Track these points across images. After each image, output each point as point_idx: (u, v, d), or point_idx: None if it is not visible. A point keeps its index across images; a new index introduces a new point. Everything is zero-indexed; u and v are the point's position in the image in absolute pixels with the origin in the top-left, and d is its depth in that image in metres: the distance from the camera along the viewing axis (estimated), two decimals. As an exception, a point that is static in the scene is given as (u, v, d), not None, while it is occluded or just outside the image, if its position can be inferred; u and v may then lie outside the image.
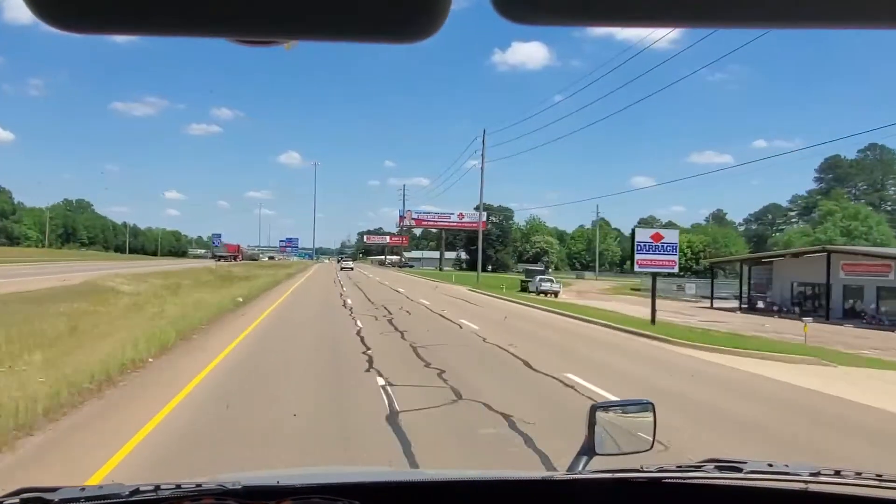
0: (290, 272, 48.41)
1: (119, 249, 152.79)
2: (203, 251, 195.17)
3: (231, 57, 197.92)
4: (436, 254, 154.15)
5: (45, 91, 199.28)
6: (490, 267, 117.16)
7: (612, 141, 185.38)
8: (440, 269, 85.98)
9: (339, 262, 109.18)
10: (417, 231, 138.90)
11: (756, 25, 0.51)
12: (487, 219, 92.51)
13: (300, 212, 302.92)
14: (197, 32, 0.51)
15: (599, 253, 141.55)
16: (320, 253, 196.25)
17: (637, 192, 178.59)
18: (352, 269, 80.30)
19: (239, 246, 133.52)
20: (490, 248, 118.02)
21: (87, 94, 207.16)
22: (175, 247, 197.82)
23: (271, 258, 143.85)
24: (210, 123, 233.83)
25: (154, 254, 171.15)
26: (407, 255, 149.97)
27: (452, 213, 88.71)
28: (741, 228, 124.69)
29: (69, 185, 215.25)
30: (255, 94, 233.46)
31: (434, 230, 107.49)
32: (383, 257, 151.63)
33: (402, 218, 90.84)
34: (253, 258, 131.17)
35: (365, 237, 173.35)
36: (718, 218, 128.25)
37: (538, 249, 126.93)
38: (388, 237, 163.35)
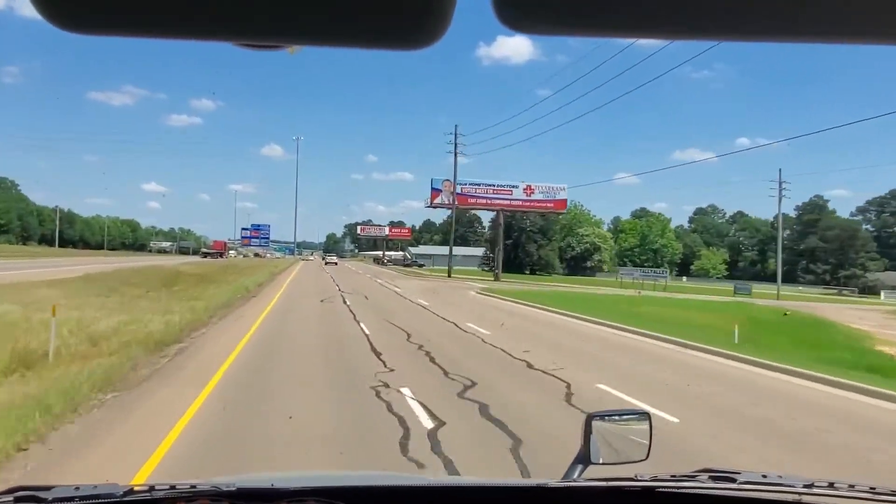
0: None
1: (46, 241, 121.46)
2: (168, 244, 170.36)
3: (212, 48, 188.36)
4: (447, 249, 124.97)
5: (20, 79, 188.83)
6: (529, 268, 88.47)
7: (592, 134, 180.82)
8: (496, 276, 56.18)
9: (323, 258, 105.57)
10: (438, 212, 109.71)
11: (754, 39, 0.50)
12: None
13: (282, 206, 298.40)
14: (202, 36, 0.50)
15: (655, 251, 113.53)
16: (303, 247, 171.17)
17: (621, 187, 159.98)
18: (335, 264, 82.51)
19: (225, 243, 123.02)
20: (530, 243, 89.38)
21: (64, 83, 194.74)
22: (131, 239, 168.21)
23: (257, 255, 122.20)
24: (191, 115, 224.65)
25: (100, 247, 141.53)
26: (413, 250, 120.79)
27: (516, 186, 56.33)
28: (857, 219, 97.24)
29: (43, 173, 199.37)
30: (236, 85, 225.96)
31: (465, 212, 75.03)
32: (381, 253, 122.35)
33: (436, 192, 56.30)
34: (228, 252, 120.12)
35: (358, 228, 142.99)
36: (817, 206, 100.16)
37: (587, 245, 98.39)
38: (386, 228, 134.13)
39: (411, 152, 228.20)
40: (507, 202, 57.72)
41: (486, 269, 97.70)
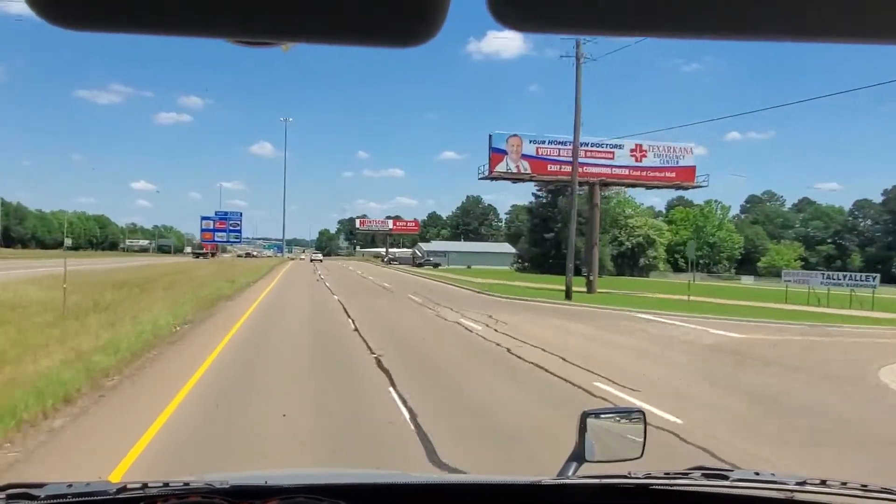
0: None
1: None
2: (146, 242, 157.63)
3: (200, 44, 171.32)
4: (466, 245, 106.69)
5: (5, 77, 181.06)
6: (572, 265, 70.27)
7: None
8: (589, 286, 37.72)
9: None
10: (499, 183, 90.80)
11: (750, 38, 0.49)
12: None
13: (273, 204, 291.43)
14: (196, 33, 0.50)
15: (711, 245, 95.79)
16: (294, 245, 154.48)
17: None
18: (321, 261, 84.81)
19: (216, 244, 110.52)
20: (579, 236, 70.95)
21: (50, 81, 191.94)
22: (99, 237, 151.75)
23: (248, 255, 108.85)
24: (180, 112, 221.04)
25: (59, 245, 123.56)
26: (425, 247, 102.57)
27: (620, 146, 37.36)
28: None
29: (29, 171, 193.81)
30: (225, 82, 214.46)
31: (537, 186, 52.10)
32: (383, 251, 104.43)
33: (498, 156, 35.98)
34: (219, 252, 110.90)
35: (357, 222, 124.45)
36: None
37: (640, 238, 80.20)
38: (389, 222, 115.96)
39: (403, 149, 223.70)
40: (608, 171, 37.35)
41: (517, 267, 79.87)
